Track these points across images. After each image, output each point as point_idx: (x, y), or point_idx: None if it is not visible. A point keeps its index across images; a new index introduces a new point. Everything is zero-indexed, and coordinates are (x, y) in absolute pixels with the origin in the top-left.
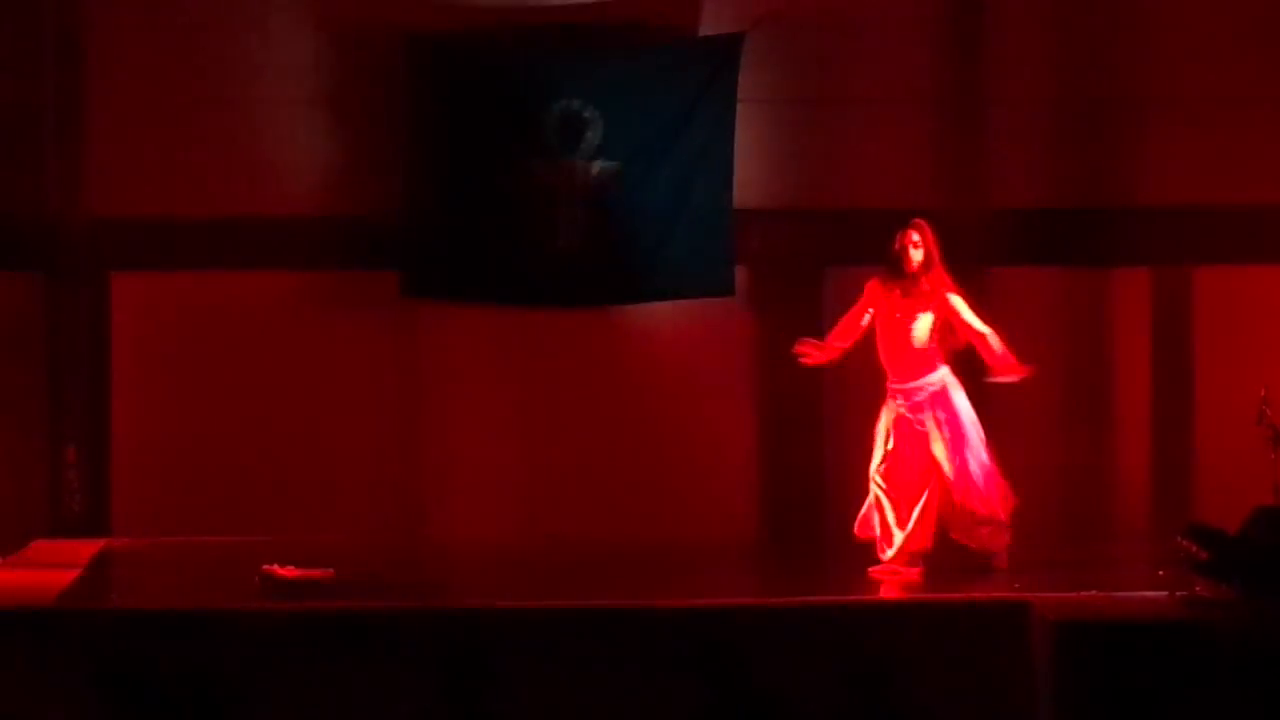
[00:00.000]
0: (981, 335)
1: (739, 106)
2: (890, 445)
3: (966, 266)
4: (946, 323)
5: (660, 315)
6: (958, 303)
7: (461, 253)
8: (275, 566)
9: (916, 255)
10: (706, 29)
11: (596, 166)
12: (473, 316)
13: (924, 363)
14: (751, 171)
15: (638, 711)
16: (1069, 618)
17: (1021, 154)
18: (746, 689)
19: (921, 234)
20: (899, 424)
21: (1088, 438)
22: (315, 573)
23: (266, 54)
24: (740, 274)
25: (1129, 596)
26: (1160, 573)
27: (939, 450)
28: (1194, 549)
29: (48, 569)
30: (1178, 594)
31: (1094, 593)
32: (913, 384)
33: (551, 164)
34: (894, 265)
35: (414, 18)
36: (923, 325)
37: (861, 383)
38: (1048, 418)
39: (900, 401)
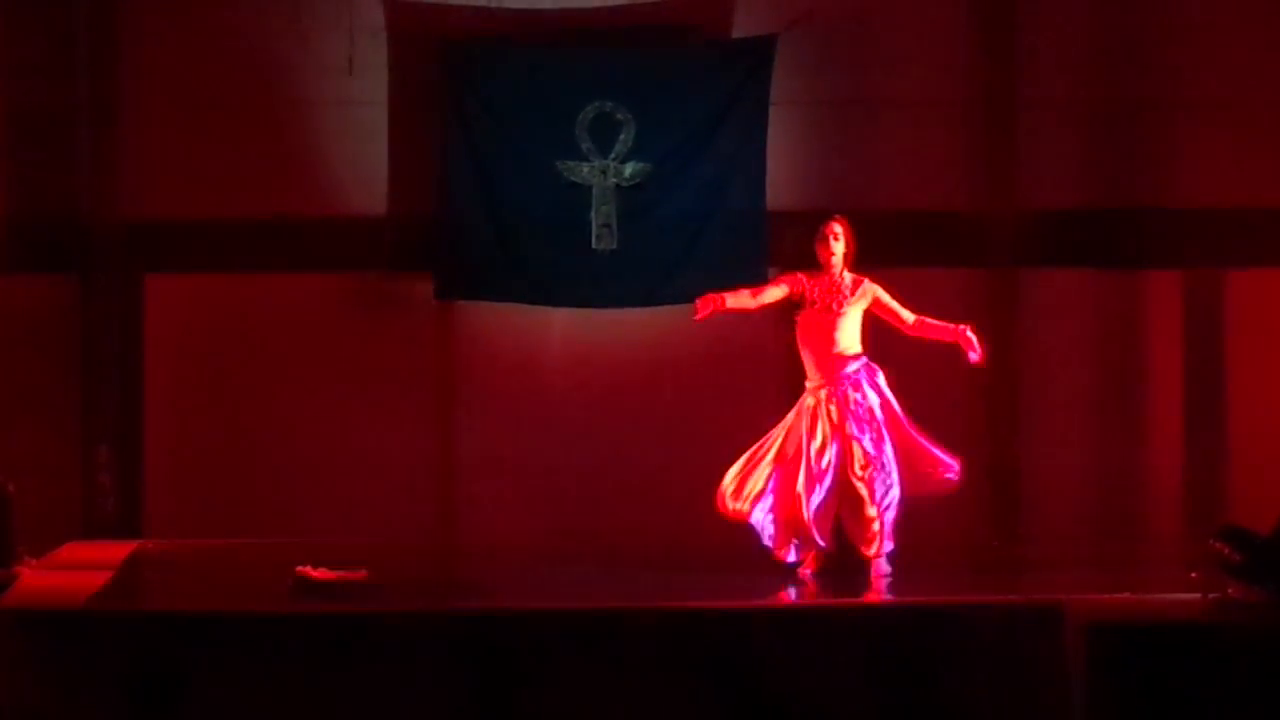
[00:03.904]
0: (916, 320)
1: (772, 108)
2: (818, 440)
3: (999, 268)
4: (873, 315)
5: (692, 316)
6: (881, 292)
7: (495, 254)
8: (308, 568)
9: (838, 248)
10: (740, 31)
11: (630, 168)
12: (507, 318)
13: (849, 356)
14: (784, 173)
15: (668, 713)
16: (1102, 620)
17: (1054, 156)
18: (777, 692)
19: (843, 228)
20: (819, 418)
21: (1120, 440)
22: (348, 575)
23: (300, 56)
24: (772, 275)
25: (1162, 598)
26: (1193, 575)
27: (856, 441)
28: (1227, 551)
29: (80, 570)
30: (1211, 596)
31: (1127, 595)
32: (838, 377)
33: (585, 165)
34: (816, 261)
35: (448, 21)
36: (851, 318)
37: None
38: (1080, 420)
39: (823, 396)
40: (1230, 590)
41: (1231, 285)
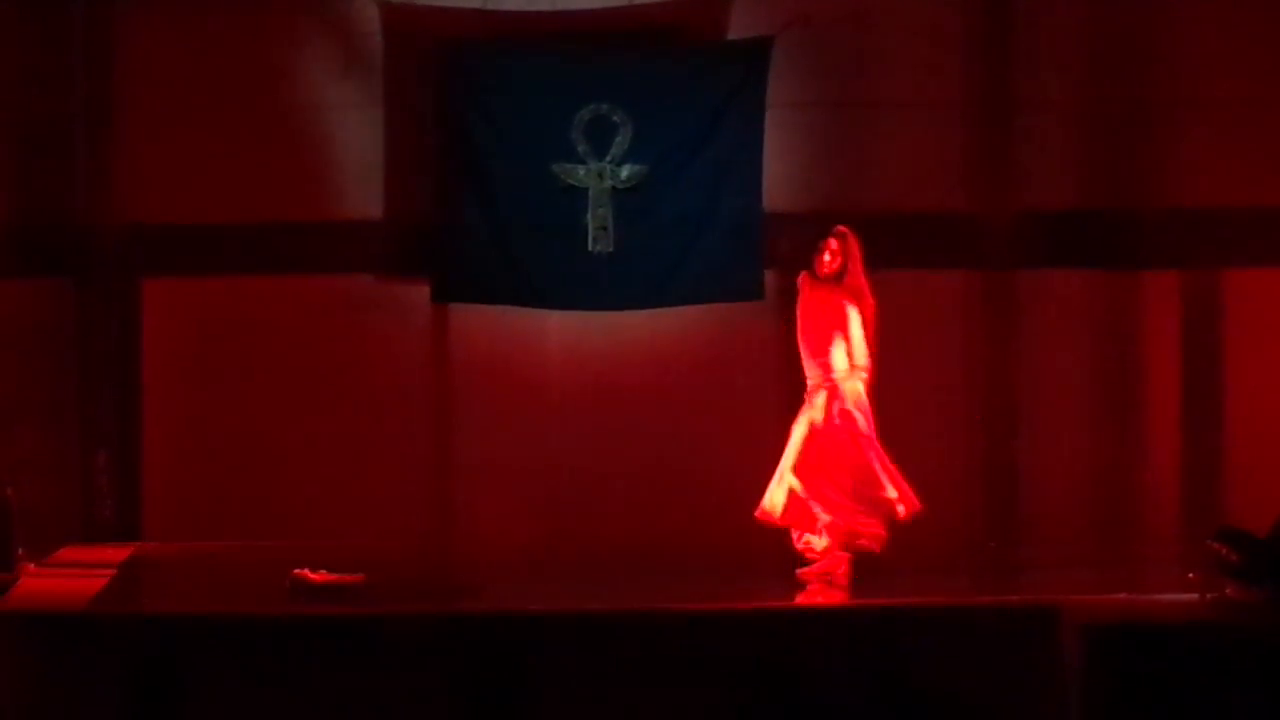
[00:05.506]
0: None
1: (768, 110)
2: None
3: (996, 269)
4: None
5: (689, 319)
6: (853, 317)
7: (492, 257)
8: (306, 571)
9: (828, 261)
10: (736, 33)
11: (626, 170)
12: (503, 321)
13: (836, 358)
14: (781, 175)
15: (667, 715)
16: (1099, 620)
17: (1051, 156)
18: (777, 693)
19: (841, 243)
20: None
21: (1117, 440)
22: (346, 577)
23: (295, 60)
24: (769, 278)
25: (1159, 599)
26: (1191, 575)
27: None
28: (1224, 552)
29: (79, 573)
30: (1208, 597)
31: (1124, 595)
32: (828, 377)
33: (581, 168)
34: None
35: (444, 23)
36: (852, 323)
37: (882, 389)
38: (1078, 420)
39: (820, 394)
40: (1228, 591)
41: (1229, 285)
